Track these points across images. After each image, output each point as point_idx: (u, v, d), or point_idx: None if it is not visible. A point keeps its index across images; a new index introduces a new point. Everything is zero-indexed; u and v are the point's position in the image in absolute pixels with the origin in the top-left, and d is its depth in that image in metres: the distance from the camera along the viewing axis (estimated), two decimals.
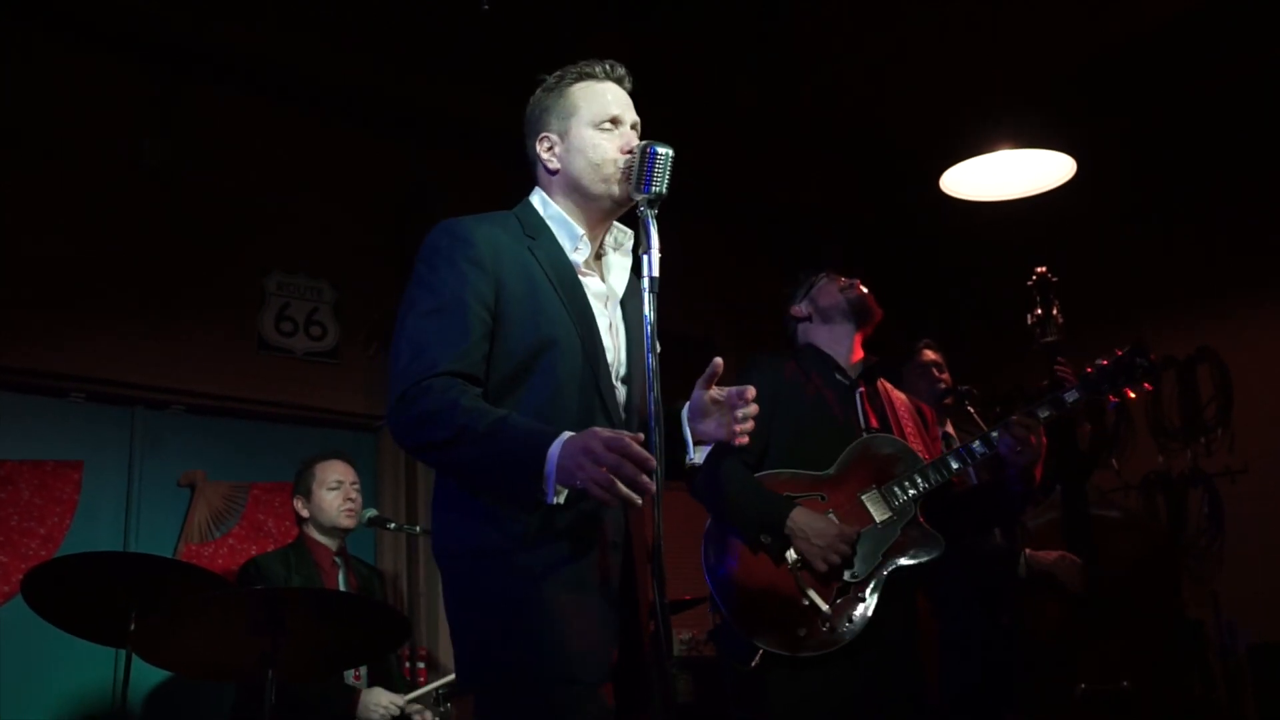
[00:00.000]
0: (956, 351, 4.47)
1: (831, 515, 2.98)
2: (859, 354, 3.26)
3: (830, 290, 3.30)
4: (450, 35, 4.99)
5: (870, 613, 2.88)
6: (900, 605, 2.96)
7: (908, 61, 5.51)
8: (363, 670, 3.90)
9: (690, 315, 5.89)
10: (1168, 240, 5.83)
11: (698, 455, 2.27)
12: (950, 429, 4.09)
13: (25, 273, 4.45)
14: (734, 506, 2.98)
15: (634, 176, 2.16)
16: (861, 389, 3.19)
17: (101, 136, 4.71)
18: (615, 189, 2.24)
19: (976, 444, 3.08)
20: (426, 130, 5.42)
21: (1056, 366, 3.33)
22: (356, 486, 4.11)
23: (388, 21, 4.95)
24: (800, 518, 2.92)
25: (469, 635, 2.10)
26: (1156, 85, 5.55)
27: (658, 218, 2.13)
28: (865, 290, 3.28)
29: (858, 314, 3.25)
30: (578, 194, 2.29)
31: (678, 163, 2.15)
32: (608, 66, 2.33)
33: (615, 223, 2.34)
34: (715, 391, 2.21)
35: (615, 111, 2.28)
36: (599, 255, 2.34)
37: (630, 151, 2.20)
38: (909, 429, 3.21)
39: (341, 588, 3.96)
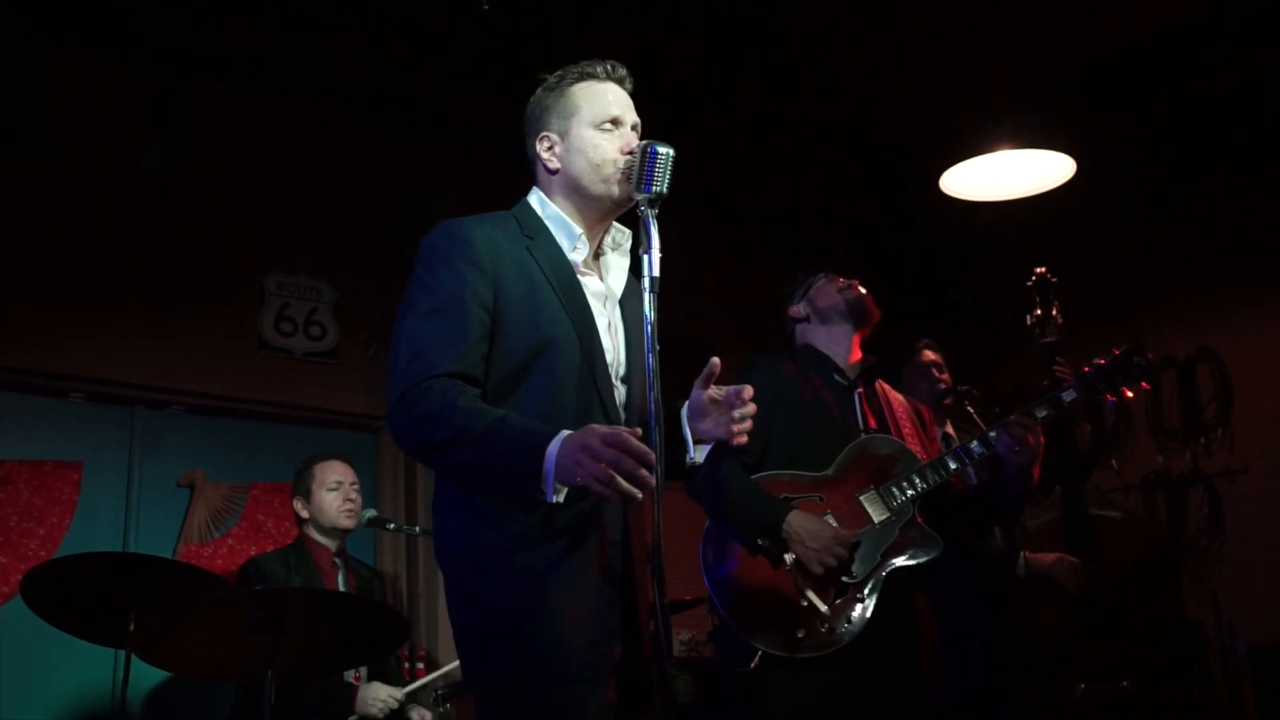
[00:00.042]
0: (956, 351, 4.47)
1: (829, 517, 2.98)
2: (857, 354, 3.25)
3: (828, 291, 3.30)
4: (450, 35, 4.99)
5: (869, 613, 2.88)
6: (899, 606, 2.96)
7: (908, 61, 5.51)
8: (363, 671, 3.91)
9: (690, 315, 5.89)
10: (1168, 240, 5.83)
11: (698, 454, 2.27)
12: (950, 429, 4.09)
13: (25, 273, 4.45)
14: (732, 509, 2.98)
15: (634, 176, 2.15)
16: (860, 390, 3.19)
17: (101, 136, 4.71)
18: (615, 189, 2.24)
19: (974, 444, 3.08)
20: (426, 130, 5.41)
21: (1056, 367, 3.33)
22: (356, 487, 4.11)
23: (388, 21, 4.95)
24: (796, 521, 2.91)
25: (470, 635, 2.10)
26: (1156, 85, 5.55)
27: (658, 218, 2.13)
28: (864, 291, 3.28)
29: (856, 315, 3.25)
30: (577, 194, 2.29)
31: (678, 163, 2.15)
32: (609, 67, 2.33)
33: (614, 222, 2.34)
34: (714, 391, 2.21)
35: (616, 112, 2.28)
36: (598, 255, 2.35)
37: (630, 152, 2.21)
38: (907, 430, 3.21)
39: (341, 588, 3.96)
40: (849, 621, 2.87)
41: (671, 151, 2.14)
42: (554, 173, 2.31)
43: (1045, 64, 5.45)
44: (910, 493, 3.01)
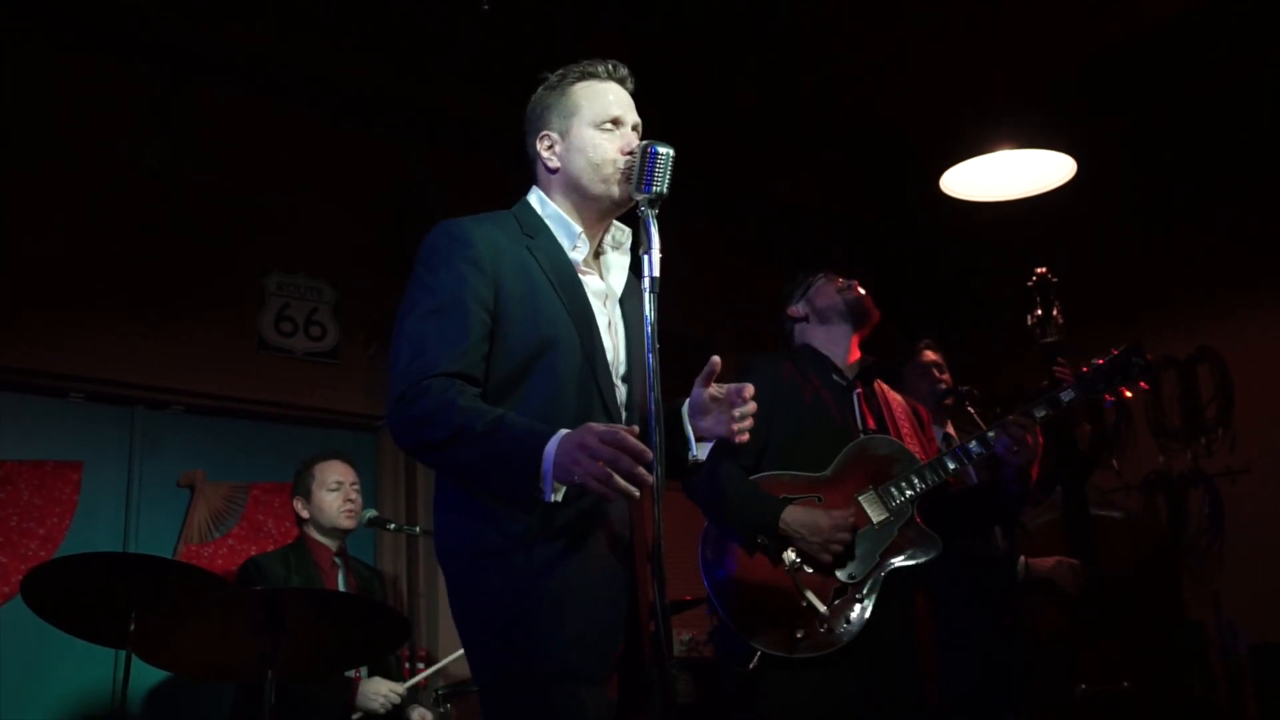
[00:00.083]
0: (956, 351, 4.47)
1: None
2: (856, 355, 3.26)
3: (828, 291, 3.30)
4: (450, 35, 4.98)
5: (868, 614, 2.88)
6: (898, 606, 2.96)
7: (908, 61, 5.51)
8: (363, 671, 3.91)
9: (690, 315, 5.89)
10: (1168, 240, 5.82)
11: (700, 451, 2.27)
12: (951, 429, 4.09)
13: (25, 273, 4.45)
14: (730, 509, 2.98)
15: (634, 176, 2.16)
16: (859, 390, 3.19)
17: (101, 136, 4.70)
18: (614, 189, 2.24)
19: (973, 444, 3.08)
20: (426, 130, 5.41)
21: (1056, 367, 3.32)
22: (356, 487, 4.11)
23: (388, 21, 4.95)
24: (792, 516, 2.91)
25: (471, 635, 2.11)
26: (1156, 85, 5.54)
27: (658, 218, 2.13)
28: (863, 291, 3.28)
29: (855, 315, 3.25)
30: (577, 193, 2.29)
31: (678, 163, 2.15)
32: (610, 67, 2.33)
33: (614, 221, 2.34)
34: (714, 389, 2.21)
35: (617, 112, 2.28)
36: (598, 254, 2.35)
37: (630, 153, 2.21)
38: (905, 430, 3.21)
39: (341, 588, 3.96)
40: (848, 622, 2.87)
41: (671, 152, 2.14)
42: (554, 172, 2.31)
43: (1045, 64, 5.45)
44: (909, 493, 3.01)
